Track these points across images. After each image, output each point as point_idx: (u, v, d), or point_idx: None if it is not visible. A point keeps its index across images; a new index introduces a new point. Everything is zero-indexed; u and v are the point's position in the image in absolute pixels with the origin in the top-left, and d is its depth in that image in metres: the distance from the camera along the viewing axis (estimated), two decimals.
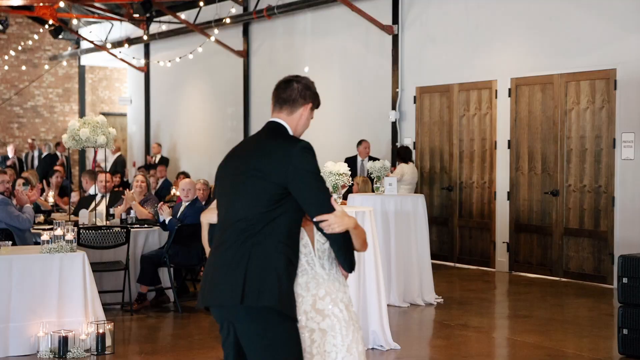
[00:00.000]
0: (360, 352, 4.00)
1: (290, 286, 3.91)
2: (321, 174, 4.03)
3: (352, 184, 8.38)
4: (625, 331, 7.54)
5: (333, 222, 3.88)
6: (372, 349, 7.78)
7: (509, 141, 12.75)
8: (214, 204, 4.20)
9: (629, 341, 7.53)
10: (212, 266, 3.98)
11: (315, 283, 4.01)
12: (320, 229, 3.97)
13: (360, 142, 14.24)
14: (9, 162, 20.23)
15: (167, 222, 9.92)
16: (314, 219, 3.92)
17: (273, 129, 4.08)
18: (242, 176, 3.97)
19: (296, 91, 4.09)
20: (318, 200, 3.91)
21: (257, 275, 3.83)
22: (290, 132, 4.09)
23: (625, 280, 7.55)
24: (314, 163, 3.93)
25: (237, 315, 3.88)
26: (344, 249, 4.02)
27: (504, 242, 12.79)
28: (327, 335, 3.96)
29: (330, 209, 3.91)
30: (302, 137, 4.09)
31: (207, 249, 4.18)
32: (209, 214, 4.21)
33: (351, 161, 13.71)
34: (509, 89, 12.72)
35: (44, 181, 14.11)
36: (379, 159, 12.25)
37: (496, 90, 12.92)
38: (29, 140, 22.41)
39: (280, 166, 3.88)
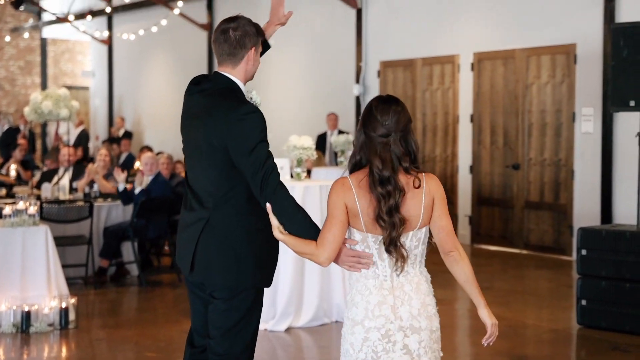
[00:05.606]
0: None
1: (251, 258, 3.95)
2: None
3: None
4: (583, 302, 7.69)
5: None
6: (336, 321, 7.85)
7: (471, 115, 12.85)
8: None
9: (588, 312, 7.69)
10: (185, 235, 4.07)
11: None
12: None
13: (328, 115, 14.36)
14: None
15: (136, 192, 9.89)
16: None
17: (222, 89, 4.01)
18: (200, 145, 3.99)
19: (234, 42, 3.98)
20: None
21: (209, 254, 3.95)
22: (240, 84, 4.02)
23: (584, 252, 7.70)
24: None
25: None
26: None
27: (466, 215, 12.92)
28: None
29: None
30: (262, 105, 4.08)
31: None
32: None
33: (323, 137, 13.81)
34: (472, 63, 12.80)
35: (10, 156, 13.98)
36: (348, 133, 12.31)
37: (459, 65, 13.00)
38: None
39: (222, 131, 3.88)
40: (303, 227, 3.71)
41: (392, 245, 3.56)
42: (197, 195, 3.99)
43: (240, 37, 3.96)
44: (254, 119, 3.84)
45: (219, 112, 3.86)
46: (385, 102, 3.65)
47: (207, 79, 4.07)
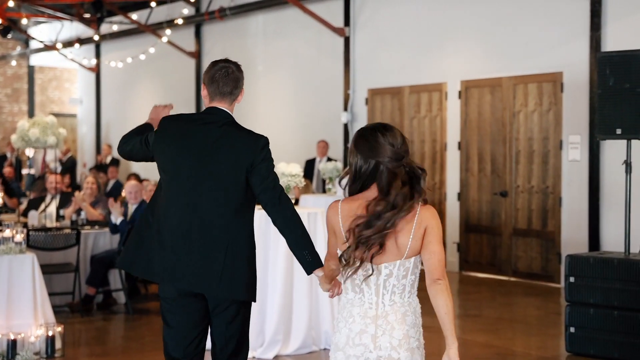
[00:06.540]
0: None
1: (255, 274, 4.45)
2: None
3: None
4: (572, 329, 7.69)
5: None
6: (324, 349, 7.82)
7: (459, 143, 12.89)
8: None
9: (576, 339, 7.68)
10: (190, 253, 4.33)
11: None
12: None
13: (318, 142, 14.43)
14: None
15: (117, 224, 9.79)
16: None
17: (230, 122, 4.41)
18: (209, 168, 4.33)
19: (236, 82, 4.44)
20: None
21: (233, 273, 4.32)
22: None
23: (572, 279, 7.70)
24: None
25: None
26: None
27: (454, 243, 12.92)
28: None
29: None
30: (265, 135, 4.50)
31: None
32: None
33: (311, 163, 13.84)
34: (459, 91, 12.86)
35: None
36: (336, 160, 12.34)
37: (446, 93, 13.06)
38: None
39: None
40: (306, 241, 4.27)
41: (362, 244, 3.49)
42: (201, 218, 4.27)
43: (237, 78, 4.44)
44: (269, 148, 4.38)
45: (245, 140, 4.31)
46: (387, 127, 3.61)
47: (207, 112, 4.43)
